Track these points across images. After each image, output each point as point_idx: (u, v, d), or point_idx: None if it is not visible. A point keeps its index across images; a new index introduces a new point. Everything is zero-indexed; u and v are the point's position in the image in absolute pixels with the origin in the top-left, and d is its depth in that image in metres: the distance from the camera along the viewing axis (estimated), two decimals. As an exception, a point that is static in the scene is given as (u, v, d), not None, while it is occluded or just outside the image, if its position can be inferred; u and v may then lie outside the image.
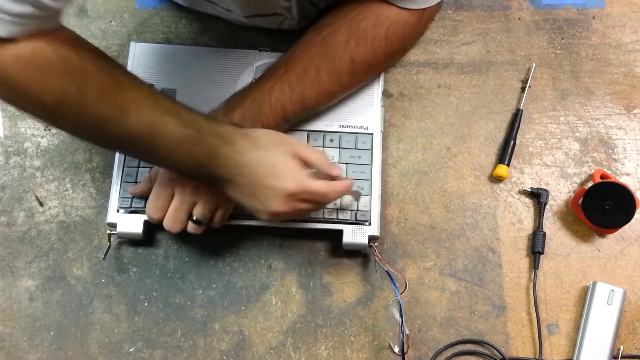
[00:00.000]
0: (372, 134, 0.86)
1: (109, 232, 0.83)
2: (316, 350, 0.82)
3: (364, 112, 0.87)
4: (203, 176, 0.70)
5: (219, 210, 0.77)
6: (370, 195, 0.83)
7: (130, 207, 0.82)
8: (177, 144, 0.66)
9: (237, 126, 0.71)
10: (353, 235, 0.81)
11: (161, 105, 0.66)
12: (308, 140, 0.85)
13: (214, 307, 0.84)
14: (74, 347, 0.82)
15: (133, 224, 0.82)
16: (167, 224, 0.76)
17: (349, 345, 0.82)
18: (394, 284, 0.79)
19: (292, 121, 0.80)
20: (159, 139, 0.65)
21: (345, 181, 0.75)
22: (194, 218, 0.76)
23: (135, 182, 0.83)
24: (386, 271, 0.80)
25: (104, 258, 0.84)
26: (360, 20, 0.78)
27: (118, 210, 0.82)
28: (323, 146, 0.85)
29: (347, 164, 0.84)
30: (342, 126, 0.86)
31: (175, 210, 0.76)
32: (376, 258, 0.82)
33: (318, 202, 0.72)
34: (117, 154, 0.84)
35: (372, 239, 0.82)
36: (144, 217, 0.81)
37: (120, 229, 0.81)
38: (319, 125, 0.86)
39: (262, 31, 0.94)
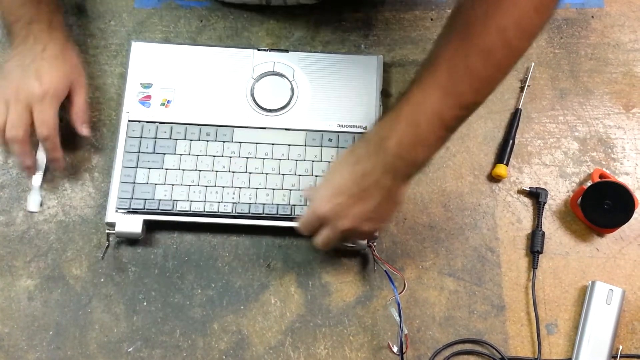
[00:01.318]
0: None
1: (107, 231, 0.83)
2: (315, 350, 0.82)
3: (363, 111, 0.87)
4: None
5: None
6: None
7: (129, 207, 0.82)
8: None
9: None
10: None
11: None
12: (306, 142, 0.85)
13: (213, 307, 0.84)
14: (73, 347, 0.82)
15: (132, 224, 0.82)
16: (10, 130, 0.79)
17: (347, 345, 0.83)
18: (393, 284, 0.79)
19: (455, 128, 0.69)
20: None
21: None
22: None
23: (134, 182, 0.83)
24: (385, 271, 0.80)
25: (102, 257, 0.84)
26: None
27: (117, 210, 0.82)
28: (322, 146, 0.85)
29: None
30: (341, 125, 0.86)
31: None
32: (375, 258, 0.82)
33: None
34: (116, 154, 0.84)
35: (370, 238, 0.82)
36: (143, 216, 0.82)
37: (119, 228, 0.81)
38: (318, 125, 0.86)
39: (261, 29, 0.94)
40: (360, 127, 0.86)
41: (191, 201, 0.82)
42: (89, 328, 0.82)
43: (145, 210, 0.82)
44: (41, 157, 0.87)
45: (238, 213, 0.82)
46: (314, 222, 0.73)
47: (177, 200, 0.83)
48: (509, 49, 0.65)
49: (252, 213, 0.82)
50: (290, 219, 0.82)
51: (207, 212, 0.82)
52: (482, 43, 0.64)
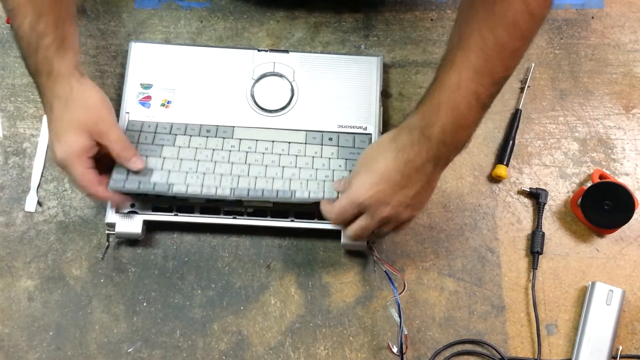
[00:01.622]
0: (370, 134, 0.86)
1: (107, 232, 0.83)
2: (315, 350, 0.82)
3: (363, 112, 0.87)
4: None
5: None
6: None
7: (123, 186, 0.80)
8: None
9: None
10: None
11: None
12: (306, 140, 0.85)
13: (213, 307, 0.84)
14: (73, 347, 0.82)
15: (132, 224, 0.82)
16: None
17: (347, 346, 0.82)
18: (393, 284, 0.79)
19: (489, 105, 0.71)
20: None
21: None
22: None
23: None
24: (385, 271, 0.80)
25: (102, 258, 0.84)
26: None
27: (117, 210, 0.82)
28: (322, 145, 0.85)
29: (346, 159, 0.84)
30: (341, 126, 0.86)
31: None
32: (375, 258, 0.82)
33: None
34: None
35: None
36: (143, 216, 0.82)
37: (118, 228, 0.81)
38: (318, 125, 0.86)
39: (261, 30, 0.94)
40: (360, 127, 0.86)
41: (188, 184, 0.80)
42: (89, 328, 0.82)
43: (140, 190, 0.79)
44: (38, 161, 0.87)
45: (236, 197, 0.80)
46: (351, 211, 0.73)
47: (173, 184, 0.80)
48: (531, 17, 0.66)
49: (251, 198, 0.80)
50: (292, 218, 0.83)
51: (204, 195, 0.79)
52: (507, 15, 0.65)
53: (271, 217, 0.83)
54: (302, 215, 0.83)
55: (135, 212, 0.82)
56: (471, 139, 0.71)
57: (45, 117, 0.85)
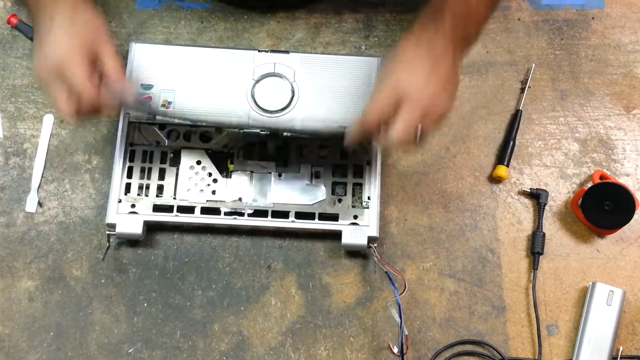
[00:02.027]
0: None
1: (108, 232, 0.83)
2: (315, 351, 0.82)
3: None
4: None
5: None
6: (369, 195, 0.83)
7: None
8: None
9: None
10: (352, 236, 0.82)
11: None
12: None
13: (214, 308, 0.84)
14: (74, 348, 0.82)
15: (132, 225, 0.82)
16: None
17: (348, 346, 0.82)
18: (393, 285, 0.79)
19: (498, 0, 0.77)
20: None
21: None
22: None
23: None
24: (385, 272, 0.80)
25: (103, 259, 0.84)
26: None
27: (117, 211, 0.82)
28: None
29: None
30: (341, 127, 0.86)
31: None
32: (375, 259, 0.82)
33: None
34: (116, 155, 0.84)
35: (371, 240, 0.82)
36: (144, 217, 0.82)
37: (119, 229, 0.81)
38: (319, 126, 0.86)
39: (261, 30, 0.94)
40: None
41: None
42: (90, 329, 0.82)
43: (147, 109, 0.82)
44: (39, 161, 0.88)
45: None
46: (391, 100, 0.70)
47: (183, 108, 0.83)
48: None
49: (267, 124, 0.83)
50: (292, 217, 0.83)
51: (215, 119, 0.83)
52: None
53: (272, 217, 0.83)
54: (303, 216, 0.83)
55: (136, 213, 0.82)
56: (481, 33, 0.76)
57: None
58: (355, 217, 0.83)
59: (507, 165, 0.89)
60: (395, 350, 0.81)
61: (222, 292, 0.84)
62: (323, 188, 0.84)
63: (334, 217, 0.83)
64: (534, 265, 0.85)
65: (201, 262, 0.85)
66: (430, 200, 0.88)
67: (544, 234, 0.86)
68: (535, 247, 0.86)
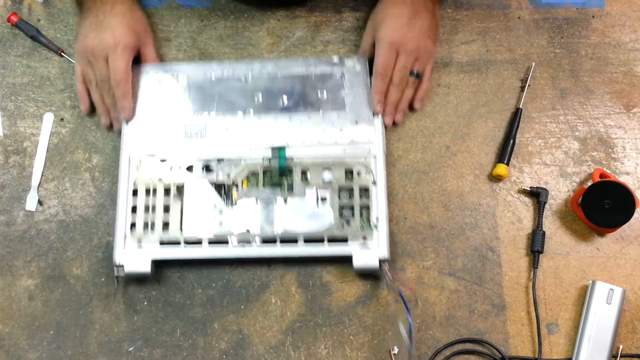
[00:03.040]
0: (374, 155, 0.85)
1: (116, 274, 0.81)
2: (315, 350, 0.82)
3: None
4: None
5: None
6: (377, 215, 0.82)
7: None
8: None
9: None
10: (363, 259, 0.81)
11: None
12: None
13: (214, 306, 0.84)
14: (74, 346, 0.82)
15: (140, 263, 0.80)
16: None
17: (348, 345, 0.83)
18: (406, 305, 0.79)
19: None
20: None
21: None
22: None
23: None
24: (398, 292, 0.80)
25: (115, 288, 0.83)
26: None
27: (124, 250, 0.81)
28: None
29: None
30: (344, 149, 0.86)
31: None
32: (388, 279, 0.81)
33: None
34: (119, 191, 0.83)
35: (382, 260, 0.81)
36: (151, 254, 0.81)
37: (127, 268, 0.80)
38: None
39: (262, 29, 0.94)
40: (365, 141, 0.86)
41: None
42: (90, 327, 0.83)
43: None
44: (39, 160, 0.88)
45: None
46: (391, 54, 0.86)
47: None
48: None
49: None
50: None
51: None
52: None
53: (280, 244, 0.82)
54: (312, 241, 0.82)
55: (143, 250, 0.81)
56: None
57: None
58: (365, 238, 0.82)
59: (507, 164, 0.89)
60: (396, 350, 0.81)
61: (222, 291, 0.84)
62: (330, 211, 0.83)
63: (343, 240, 0.82)
64: (534, 263, 0.85)
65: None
66: (430, 198, 0.88)
67: (543, 233, 0.86)
68: (535, 245, 0.86)
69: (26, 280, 0.84)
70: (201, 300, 0.84)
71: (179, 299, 0.84)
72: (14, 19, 0.93)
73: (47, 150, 0.89)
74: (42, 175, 0.88)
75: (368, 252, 0.81)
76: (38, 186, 0.87)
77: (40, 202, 0.87)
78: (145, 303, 0.83)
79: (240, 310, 0.84)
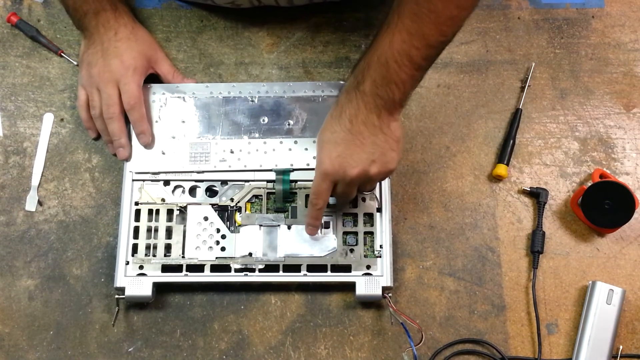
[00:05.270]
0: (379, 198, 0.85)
1: (117, 297, 0.81)
2: (315, 350, 0.82)
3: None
4: None
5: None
6: (381, 243, 0.82)
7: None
8: None
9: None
10: (366, 287, 0.80)
11: None
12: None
13: (213, 307, 0.84)
14: (73, 347, 0.82)
15: (141, 287, 0.80)
16: None
17: (348, 345, 0.82)
18: (409, 336, 0.79)
19: (425, 67, 0.73)
20: None
21: None
22: None
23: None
24: (401, 323, 0.79)
25: (113, 324, 0.82)
26: None
27: (125, 274, 0.81)
28: None
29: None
30: None
31: None
32: (391, 310, 0.81)
33: None
34: (122, 214, 0.83)
35: (385, 289, 0.81)
36: (153, 278, 0.80)
37: (128, 292, 0.80)
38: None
39: (262, 29, 0.94)
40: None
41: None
42: (90, 328, 0.83)
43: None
44: (39, 160, 0.88)
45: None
46: (325, 185, 0.75)
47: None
48: None
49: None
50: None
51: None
52: None
53: (283, 271, 0.81)
54: (315, 268, 0.81)
55: (145, 275, 0.81)
56: (409, 96, 0.74)
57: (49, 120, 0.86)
58: (368, 267, 0.81)
59: (507, 164, 0.89)
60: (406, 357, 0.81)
61: (222, 291, 0.84)
62: (334, 238, 0.82)
63: (347, 269, 0.81)
64: (533, 264, 0.85)
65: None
66: (430, 199, 0.88)
67: (543, 233, 0.86)
68: (535, 245, 0.86)
69: (26, 281, 0.84)
70: (201, 301, 0.84)
71: (178, 299, 0.84)
72: (14, 19, 0.93)
73: (47, 151, 0.89)
74: (42, 175, 0.88)
75: (371, 281, 0.80)
76: (38, 186, 0.87)
77: (40, 203, 0.87)
78: (145, 303, 0.83)
79: (240, 310, 0.83)
